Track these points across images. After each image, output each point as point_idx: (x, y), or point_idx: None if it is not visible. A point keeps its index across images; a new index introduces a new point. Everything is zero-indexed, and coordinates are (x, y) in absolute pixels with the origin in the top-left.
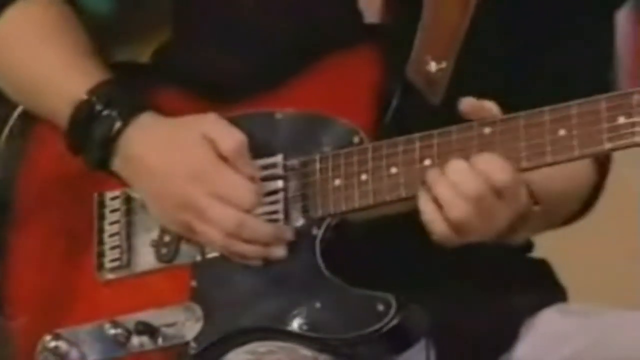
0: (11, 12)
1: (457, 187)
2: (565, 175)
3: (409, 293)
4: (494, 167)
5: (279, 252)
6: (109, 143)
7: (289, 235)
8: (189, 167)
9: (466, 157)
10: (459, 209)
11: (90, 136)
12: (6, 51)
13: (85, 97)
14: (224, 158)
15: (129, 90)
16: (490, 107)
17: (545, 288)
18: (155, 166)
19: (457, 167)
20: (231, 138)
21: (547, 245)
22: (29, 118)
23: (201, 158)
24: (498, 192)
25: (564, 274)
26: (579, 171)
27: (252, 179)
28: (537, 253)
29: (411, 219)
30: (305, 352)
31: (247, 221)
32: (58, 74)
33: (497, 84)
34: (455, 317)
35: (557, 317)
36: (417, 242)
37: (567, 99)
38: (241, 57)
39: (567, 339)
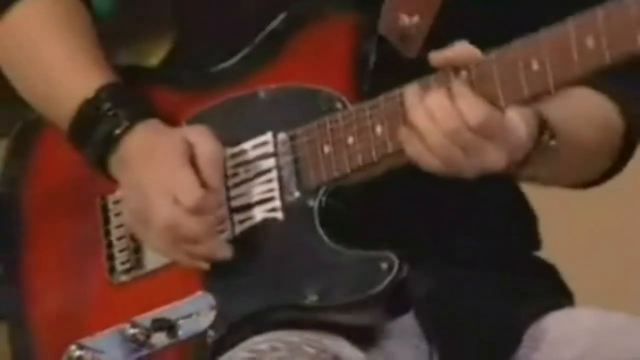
0: (21, 7)
1: (432, 116)
2: (597, 125)
3: (410, 251)
4: (467, 104)
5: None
6: (111, 142)
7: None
8: (161, 181)
9: None
10: (435, 136)
11: (94, 133)
12: (16, 48)
13: (93, 94)
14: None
15: (136, 95)
16: (464, 50)
17: (551, 292)
18: (138, 176)
19: (435, 97)
20: (208, 147)
21: (548, 247)
22: (32, 128)
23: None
24: (473, 130)
25: (565, 276)
26: (611, 123)
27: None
28: (538, 255)
29: (408, 177)
30: (309, 349)
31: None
32: (67, 74)
33: (482, 37)
34: (458, 321)
35: (560, 321)
36: (417, 198)
37: None
38: (223, 42)
39: (568, 343)
